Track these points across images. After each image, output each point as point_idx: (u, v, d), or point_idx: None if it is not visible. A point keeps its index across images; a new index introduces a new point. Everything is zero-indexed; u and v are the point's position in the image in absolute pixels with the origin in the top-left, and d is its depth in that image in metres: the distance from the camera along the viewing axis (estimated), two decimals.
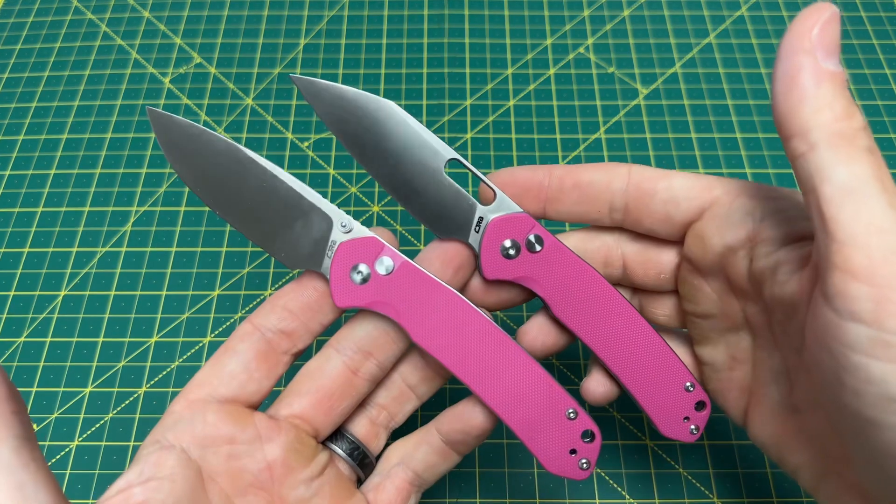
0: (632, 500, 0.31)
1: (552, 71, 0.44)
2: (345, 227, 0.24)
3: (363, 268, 0.24)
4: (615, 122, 0.42)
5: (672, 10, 0.47)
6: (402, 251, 0.24)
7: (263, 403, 0.25)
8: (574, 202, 0.25)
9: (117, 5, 0.47)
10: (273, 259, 0.37)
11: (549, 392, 0.24)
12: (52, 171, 0.40)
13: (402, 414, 0.26)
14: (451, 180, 0.25)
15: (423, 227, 0.38)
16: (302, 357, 0.26)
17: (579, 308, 0.25)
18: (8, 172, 0.40)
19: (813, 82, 0.18)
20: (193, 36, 0.46)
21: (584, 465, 0.24)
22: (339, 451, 0.25)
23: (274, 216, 0.24)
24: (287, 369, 0.25)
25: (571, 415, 0.24)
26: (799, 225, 0.21)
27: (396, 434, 0.27)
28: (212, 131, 0.24)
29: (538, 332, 0.26)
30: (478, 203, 0.25)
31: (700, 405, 0.25)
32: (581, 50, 0.45)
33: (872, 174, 0.17)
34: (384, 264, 0.24)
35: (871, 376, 0.17)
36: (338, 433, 0.26)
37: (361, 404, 0.26)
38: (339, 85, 0.25)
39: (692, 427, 0.25)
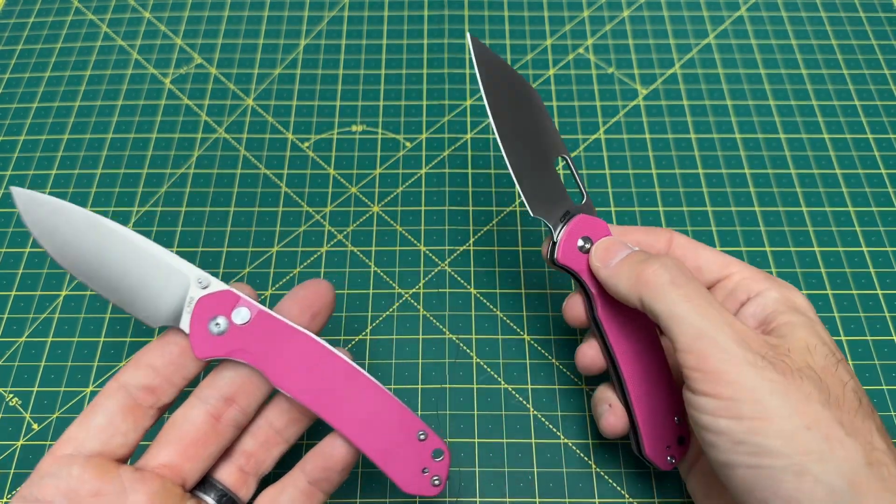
0: (631, 500, 0.31)
1: (552, 71, 0.44)
2: (201, 284, 0.26)
3: (221, 320, 0.26)
4: (615, 123, 0.42)
5: (671, 10, 0.47)
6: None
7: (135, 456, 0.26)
8: None
9: (118, 6, 0.47)
10: (273, 259, 0.37)
11: (400, 418, 0.26)
12: (54, 172, 0.41)
13: (270, 459, 0.27)
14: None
15: (423, 228, 0.38)
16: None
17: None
18: (9, 173, 0.41)
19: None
20: (194, 36, 0.46)
21: (436, 482, 0.26)
22: (208, 499, 0.26)
23: (134, 281, 0.26)
24: (154, 422, 0.26)
25: (422, 436, 0.26)
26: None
27: (269, 481, 0.27)
28: (74, 205, 0.26)
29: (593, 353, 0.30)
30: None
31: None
32: (581, 50, 0.45)
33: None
34: (241, 315, 0.26)
35: (718, 428, 0.22)
36: (206, 481, 0.26)
37: (229, 452, 0.27)
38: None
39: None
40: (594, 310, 0.29)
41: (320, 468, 0.26)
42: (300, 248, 0.38)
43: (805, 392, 0.22)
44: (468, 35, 0.29)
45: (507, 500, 0.31)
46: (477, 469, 0.32)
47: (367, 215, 0.39)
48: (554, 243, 0.29)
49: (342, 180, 0.40)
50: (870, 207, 0.39)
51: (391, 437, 0.26)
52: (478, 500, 0.31)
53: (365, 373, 0.26)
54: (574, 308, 0.29)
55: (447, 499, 0.31)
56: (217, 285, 0.26)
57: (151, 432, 0.27)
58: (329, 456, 0.26)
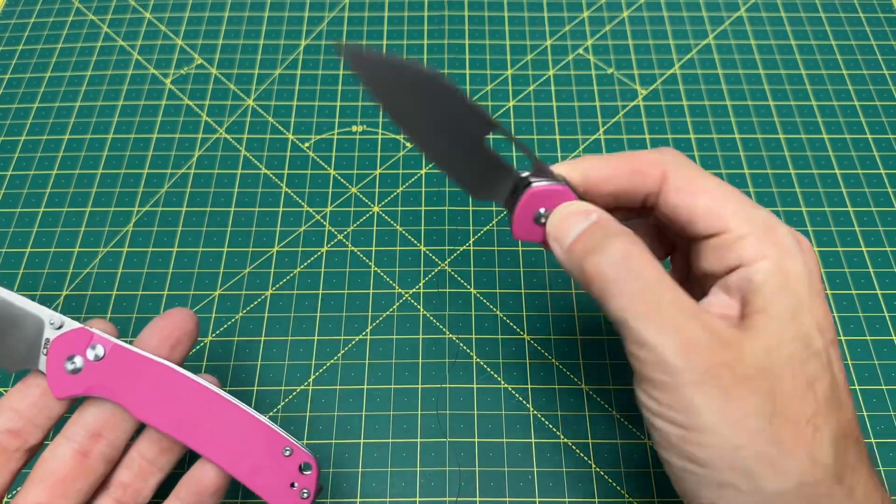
0: (631, 500, 0.31)
1: (552, 72, 0.44)
2: (54, 325, 0.27)
3: (77, 358, 0.26)
4: (614, 123, 0.42)
5: (671, 10, 0.47)
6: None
7: None
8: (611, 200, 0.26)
9: (118, 6, 0.47)
10: (274, 259, 0.38)
11: (265, 436, 0.26)
12: (54, 172, 0.41)
13: (147, 489, 0.27)
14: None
15: (423, 228, 0.38)
16: None
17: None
18: (10, 173, 0.41)
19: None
20: (194, 37, 0.46)
21: (305, 495, 0.27)
22: None
23: None
24: (23, 465, 0.27)
25: (287, 452, 0.26)
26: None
27: None
28: None
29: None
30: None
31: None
32: (580, 51, 0.45)
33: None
34: (95, 351, 0.26)
35: (655, 425, 0.23)
36: None
37: (105, 485, 0.27)
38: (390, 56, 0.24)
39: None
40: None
41: (193, 493, 0.27)
42: (300, 248, 0.38)
43: (745, 408, 0.21)
44: (341, 44, 0.24)
45: (507, 499, 0.31)
46: (477, 469, 0.32)
47: (368, 215, 0.39)
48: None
49: (342, 180, 0.40)
50: (869, 207, 0.39)
51: (257, 457, 0.26)
52: (478, 500, 0.31)
53: (227, 396, 0.26)
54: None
55: (447, 499, 0.31)
56: (70, 325, 0.27)
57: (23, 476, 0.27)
58: (199, 481, 0.27)
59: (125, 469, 0.27)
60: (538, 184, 0.25)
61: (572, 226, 0.24)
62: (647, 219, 0.28)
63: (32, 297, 0.37)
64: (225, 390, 0.27)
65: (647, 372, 0.22)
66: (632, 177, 0.25)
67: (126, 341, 0.27)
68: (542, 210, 0.25)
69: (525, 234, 0.25)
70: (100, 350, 0.26)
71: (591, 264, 0.23)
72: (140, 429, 0.28)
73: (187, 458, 0.32)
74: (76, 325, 0.27)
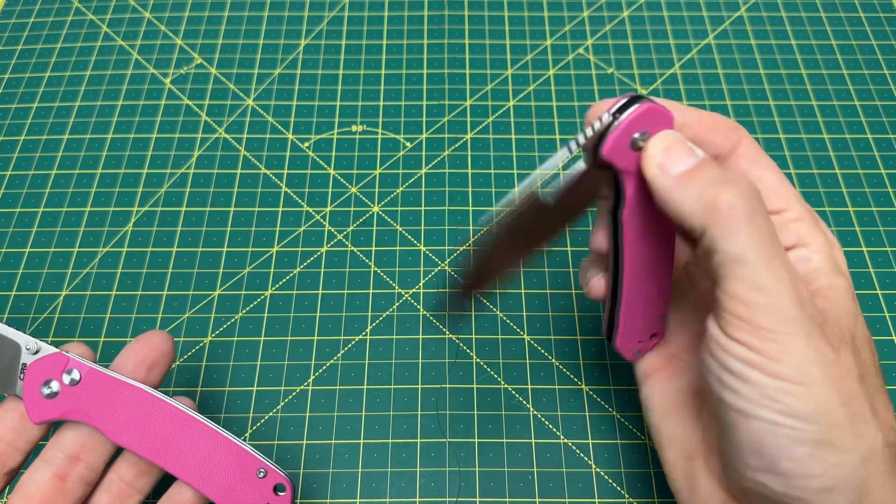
0: (631, 500, 0.31)
1: (552, 71, 0.44)
2: (30, 349, 0.27)
3: (53, 383, 0.26)
4: None
5: (671, 10, 0.47)
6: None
7: None
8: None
9: (118, 6, 0.47)
10: (274, 259, 0.37)
11: (239, 458, 0.27)
12: (54, 172, 0.41)
13: None
14: None
15: (423, 228, 0.38)
16: None
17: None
18: (9, 173, 0.41)
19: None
20: (194, 37, 0.46)
21: None
22: None
23: None
24: (4, 487, 0.27)
25: (261, 474, 0.27)
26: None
27: None
28: None
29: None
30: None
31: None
32: (580, 51, 0.45)
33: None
34: (71, 376, 0.27)
35: (748, 378, 0.21)
36: None
37: None
38: None
39: None
40: (619, 209, 0.24)
41: None
42: (300, 248, 0.38)
43: (846, 366, 0.21)
44: (443, 299, 0.24)
45: (507, 499, 0.31)
46: (477, 469, 0.32)
47: (367, 215, 0.39)
48: (604, 133, 0.23)
49: (342, 180, 0.40)
50: (869, 207, 0.39)
51: (231, 478, 0.27)
52: (478, 500, 0.31)
53: (202, 419, 0.27)
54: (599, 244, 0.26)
55: (447, 499, 0.31)
56: (46, 349, 0.27)
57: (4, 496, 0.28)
58: (177, 503, 0.27)
59: (104, 492, 0.27)
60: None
61: (682, 157, 0.22)
62: None
63: (31, 297, 0.36)
64: (200, 413, 0.27)
65: (758, 321, 0.21)
66: (712, 132, 0.25)
67: (102, 365, 0.27)
68: (638, 135, 0.23)
69: (617, 152, 0.23)
70: (76, 374, 0.27)
71: (720, 195, 0.21)
72: (118, 451, 0.28)
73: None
74: (52, 349, 0.27)
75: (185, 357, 0.35)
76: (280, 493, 0.27)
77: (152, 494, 0.28)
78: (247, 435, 0.33)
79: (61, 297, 0.37)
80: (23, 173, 0.41)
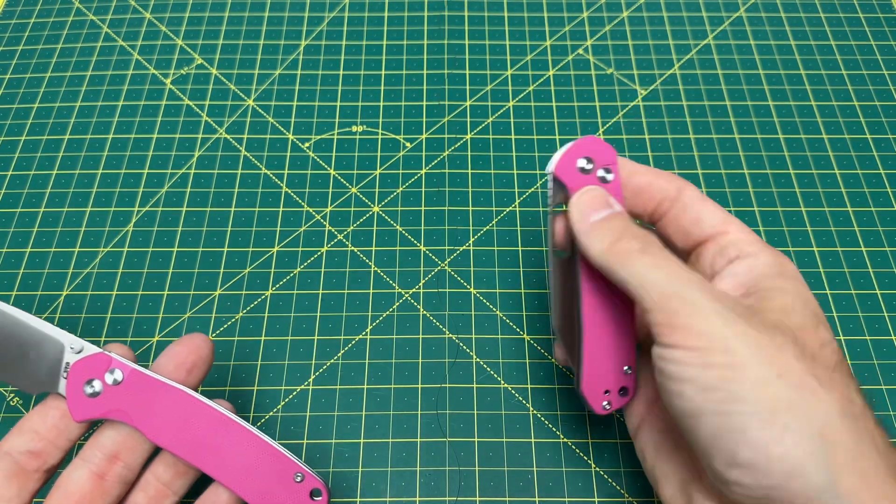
0: (631, 500, 0.31)
1: (551, 72, 0.44)
2: (74, 349, 0.27)
3: (95, 382, 0.27)
4: (614, 123, 0.42)
5: (671, 11, 0.47)
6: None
7: None
8: (630, 196, 0.29)
9: (119, 7, 0.48)
10: (274, 259, 0.38)
11: (276, 462, 0.27)
12: (54, 172, 0.41)
13: None
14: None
15: (423, 228, 0.38)
16: None
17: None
18: (10, 173, 0.41)
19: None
20: (195, 37, 0.46)
21: None
22: None
23: (12, 353, 0.28)
24: (41, 485, 0.27)
25: (298, 478, 0.27)
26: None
27: None
28: None
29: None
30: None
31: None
32: (580, 51, 0.45)
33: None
34: (114, 376, 0.27)
35: (686, 376, 0.22)
36: None
37: None
38: None
39: None
40: (575, 253, 0.28)
41: None
42: (300, 248, 0.38)
43: (777, 343, 0.22)
44: None
45: (507, 499, 0.31)
46: (477, 469, 0.32)
47: (368, 215, 0.39)
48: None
49: (342, 180, 0.40)
50: (868, 207, 0.39)
51: (268, 482, 0.27)
52: (478, 499, 0.31)
53: (241, 421, 0.27)
54: (559, 228, 0.29)
55: (447, 499, 0.31)
56: (90, 349, 0.27)
57: (42, 495, 0.28)
58: None
59: (140, 491, 0.28)
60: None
61: (599, 208, 0.26)
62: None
63: (32, 297, 0.37)
64: (238, 415, 0.27)
65: (675, 320, 0.22)
66: (659, 177, 0.28)
67: (143, 366, 0.27)
68: (583, 161, 0.27)
69: (565, 171, 0.27)
70: (118, 374, 0.27)
71: (621, 239, 0.25)
72: (155, 452, 0.28)
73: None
74: (96, 349, 0.27)
75: None
76: (316, 498, 0.27)
77: (186, 496, 0.28)
78: None
79: (62, 297, 0.37)
80: (24, 173, 0.41)
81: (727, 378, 0.21)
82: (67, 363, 0.27)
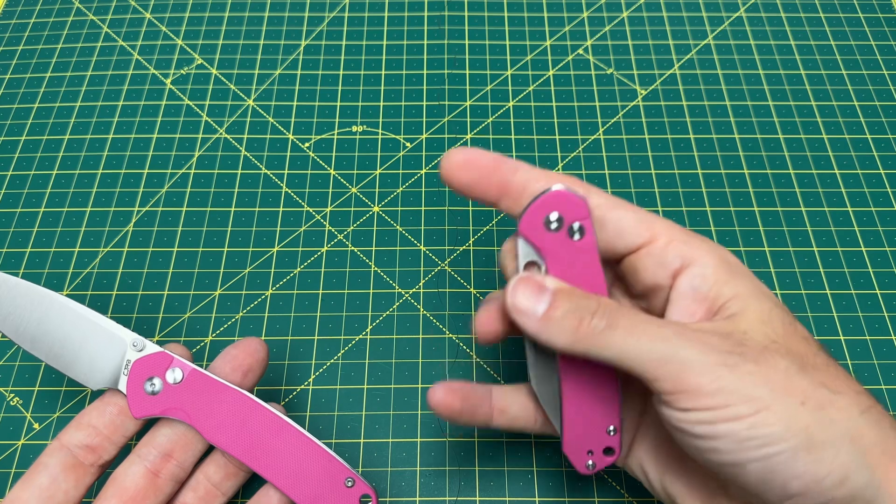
0: (631, 500, 0.31)
1: (551, 72, 0.44)
2: (137, 346, 0.28)
3: (156, 380, 0.28)
4: (614, 123, 0.42)
5: (670, 11, 0.47)
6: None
7: None
8: None
9: (119, 7, 0.48)
10: (274, 259, 0.38)
11: (328, 466, 0.27)
12: (54, 172, 0.41)
13: None
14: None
15: (423, 228, 0.38)
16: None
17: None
18: (10, 173, 0.41)
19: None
20: (195, 37, 0.46)
21: None
22: None
23: (75, 347, 0.28)
24: (96, 479, 0.28)
25: (349, 483, 0.27)
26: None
27: None
28: (18, 279, 0.29)
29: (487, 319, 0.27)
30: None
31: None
32: (580, 51, 0.45)
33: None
34: (174, 375, 0.28)
35: (718, 434, 0.22)
36: None
37: None
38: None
39: None
40: None
41: None
42: (300, 248, 0.38)
43: (782, 369, 0.22)
44: None
45: (507, 499, 0.31)
46: (477, 468, 0.32)
47: (368, 215, 0.39)
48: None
49: (342, 180, 0.40)
50: (868, 207, 0.39)
51: (320, 486, 0.27)
52: (477, 499, 0.31)
53: (295, 425, 0.27)
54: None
55: (447, 499, 0.31)
56: (151, 348, 0.28)
57: (95, 489, 0.29)
58: None
59: (190, 491, 0.28)
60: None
61: (534, 296, 0.23)
62: None
63: None
64: (293, 419, 0.28)
65: (683, 386, 0.22)
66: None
67: (200, 366, 0.28)
68: (553, 215, 0.24)
69: (531, 230, 0.25)
70: (178, 374, 0.28)
71: (582, 325, 0.23)
72: (206, 453, 0.29)
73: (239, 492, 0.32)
74: (157, 348, 0.28)
75: None
76: None
77: (233, 499, 0.29)
78: None
79: None
80: (24, 173, 0.41)
81: (758, 424, 0.21)
82: (129, 360, 0.28)
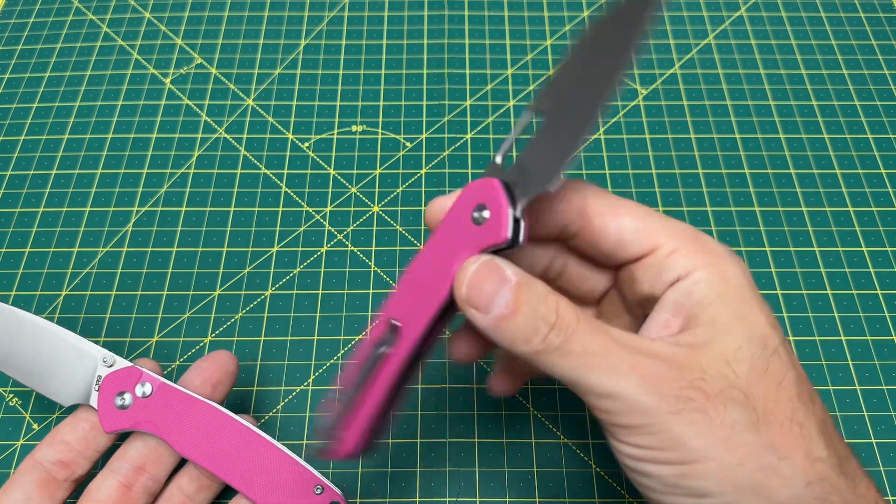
0: (631, 500, 0.31)
1: (552, 71, 0.44)
2: (107, 362, 0.29)
3: (126, 395, 0.28)
4: (614, 123, 0.42)
5: (671, 10, 0.47)
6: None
7: None
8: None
9: (118, 6, 0.47)
10: (273, 259, 0.37)
11: (298, 474, 0.28)
12: (54, 172, 0.41)
13: None
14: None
15: (422, 228, 0.38)
16: None
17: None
18: (9, 173, 0.41)
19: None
20: (194, 37, 0.46)
21: None
22: None
23: (48, 365, 0.29)
24: (70, 494, 0.28)
25: (318, 490, 0.28)
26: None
27: None
28: None
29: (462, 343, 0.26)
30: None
31: None
32: None
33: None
34: (144, 389, 0.28)
35: (647, 472, 0.21)
36: None
37: None
38: None
39: None
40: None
41: None
42: (300, 247, 0.38)
43: (730, 423, 0.20)
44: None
45: (507, 500, 0.31)
46: (477, 469, 0.32)
47: (368, 215, 0.39)
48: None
49: (342, 180, 0.40)
50: (869, 207, 0.39)
51: (290, 494, 0.28)
52: (478, 500, 0.31)
53: (265, 435, 0.28)
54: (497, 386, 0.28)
55: (447, 499, 0.31)
56: (121, 363, 0.29)
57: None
58: None
59: (164, 503, 0.28)
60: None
61: (493, 292, 0.21)
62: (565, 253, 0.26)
63: (31, 297, 0.36)
64: (262, 430, 0.28)
65: (621, 421, 0.21)
66: (555, 201, 0.24)
67: (172, 380, 0.28)
68: (475, 212, 0.22)
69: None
70: (148, 388, 0.28)
71: (537, 342, 0.21)
72: (179, 465, 0.29)
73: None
74: (127, 363, 0.29)
75: (185, 357, 0.35)
76: None
77: None
78: None
79: (61, 298, 0.37)
80: (23, 173, 0.41)
81: (687, 475, 0.20)
82: (100, 376, 0.28)
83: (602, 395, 0.21)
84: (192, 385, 0.29)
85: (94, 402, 0.28)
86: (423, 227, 0.38)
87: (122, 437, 0.29)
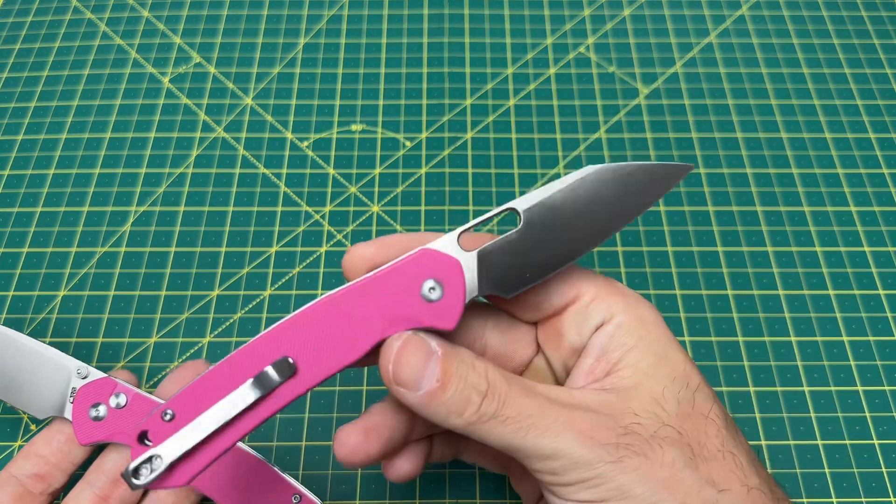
0: None
1: (552, 71, 0.44)
2: (81, 374, 0.28)
3: (101, 406, 0.28)
4: (615, 122, 0.42)
5: (672, 9, 0.47)
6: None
7: None
8: None
9: (116, 5, 0.47)
10: (273, 259, 0.37)
11: (276, 484, 0.28)
12: (51, 171, 0.40)
13: None
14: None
15: (423, 228, 0.38)
16: None
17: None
18: (7, 172, 0.40)
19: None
20: (193, 35, 0.46)
21: None
22: None
23: (20, 376, 0.29)
24: None
25: (296, 499, 0.28)
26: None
27: None
28: None
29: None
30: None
31: None
32: (581, 49, 0.45)
33: None
34: (118, 400, 0.28)
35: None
36: None
37: None
38: None
39: None
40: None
41: None
42: (299, 247, 0.38)
43: (669, 462, 0.21)
44: None
45: (507, 500, 0.31)
46: (477, 469, 0.32)
47: (367, 215, 0.39)
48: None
49: (342, 180, 0.40)
50: (871, 207, 0.39)
51: (268, 503, 0.28)
52: (478, 500, 0.31)
53: (242, 445, 0.28)
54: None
55: (447, 500, 0.31)
56: (95, 374, 0.28)
57: None
58: None
59: None
60: (434, 246, 0.23)
61: (421, 366, 0.21)
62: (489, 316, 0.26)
63: (29, 298, 0.36)
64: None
65: (565, 479, 0.21)
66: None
67: (147, 391, 0.28)
68: (431, 283, 0.22)
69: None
70: (122, 399, 0.28)
71: (466, 413, 0.21)
72: None
73: None
74: (101, 374, 0.28)
75: (184, 358, 0.35)
76: None
77: None
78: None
79: (59, 298, 0.36)
80: (21, 173, 0.40)
81: None
82: (74, 388, 0.28)
83: (543, 457, 0.21)
84: (167, 395, 0.29)
85: (68, 413, 0.28)
86: (422, 227, 0.38)
87: (98, 449, 0.29)
